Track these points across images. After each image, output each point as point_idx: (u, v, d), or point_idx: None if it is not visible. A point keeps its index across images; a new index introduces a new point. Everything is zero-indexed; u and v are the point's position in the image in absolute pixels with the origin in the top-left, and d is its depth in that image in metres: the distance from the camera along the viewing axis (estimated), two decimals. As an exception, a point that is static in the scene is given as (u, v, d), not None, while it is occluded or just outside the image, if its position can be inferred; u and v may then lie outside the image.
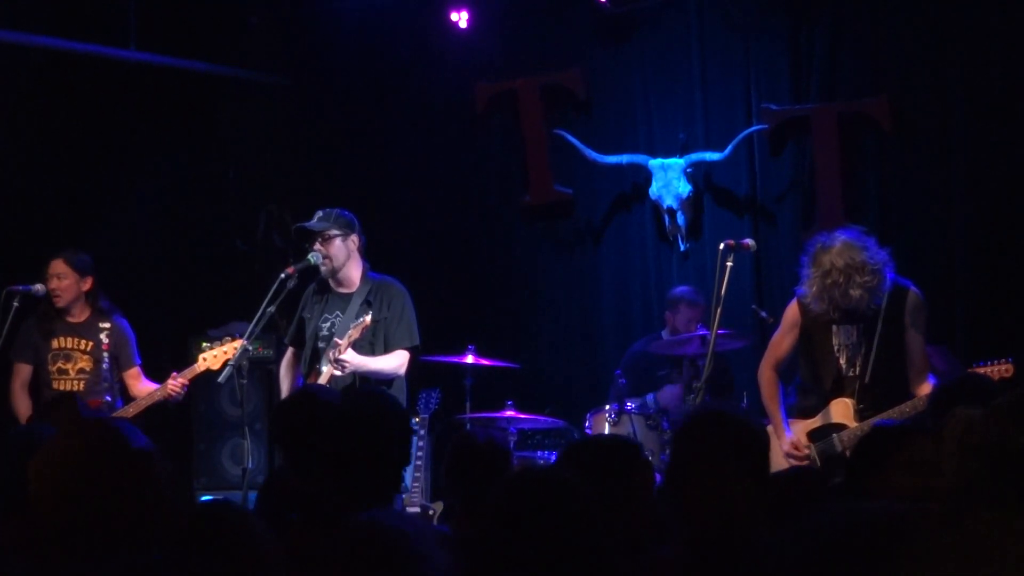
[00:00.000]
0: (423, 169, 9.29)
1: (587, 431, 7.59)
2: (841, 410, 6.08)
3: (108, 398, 7.12)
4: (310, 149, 9.59)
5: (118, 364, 7.25)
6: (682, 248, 8.49)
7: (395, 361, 6.54)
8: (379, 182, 9.30)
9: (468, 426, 7.47)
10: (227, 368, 6.51)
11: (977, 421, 2.81)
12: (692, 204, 8.42)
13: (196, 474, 8.75)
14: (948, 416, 3.55)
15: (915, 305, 6.10)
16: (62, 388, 7.14)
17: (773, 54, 8.27)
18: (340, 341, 6.31)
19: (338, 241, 6.63)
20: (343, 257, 6.64)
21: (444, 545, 2.55)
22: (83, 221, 8.66)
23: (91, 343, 7.21)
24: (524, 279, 9.13)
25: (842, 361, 6.12)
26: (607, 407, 7.50)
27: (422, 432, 7.82)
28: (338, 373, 6.35)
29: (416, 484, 7.59)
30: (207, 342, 7.40)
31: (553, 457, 7.43)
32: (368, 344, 6.50)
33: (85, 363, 7.20)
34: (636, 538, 3.33)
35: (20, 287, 7.07)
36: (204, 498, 8.53)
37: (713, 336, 6.26)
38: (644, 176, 8.52)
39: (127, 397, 7.26)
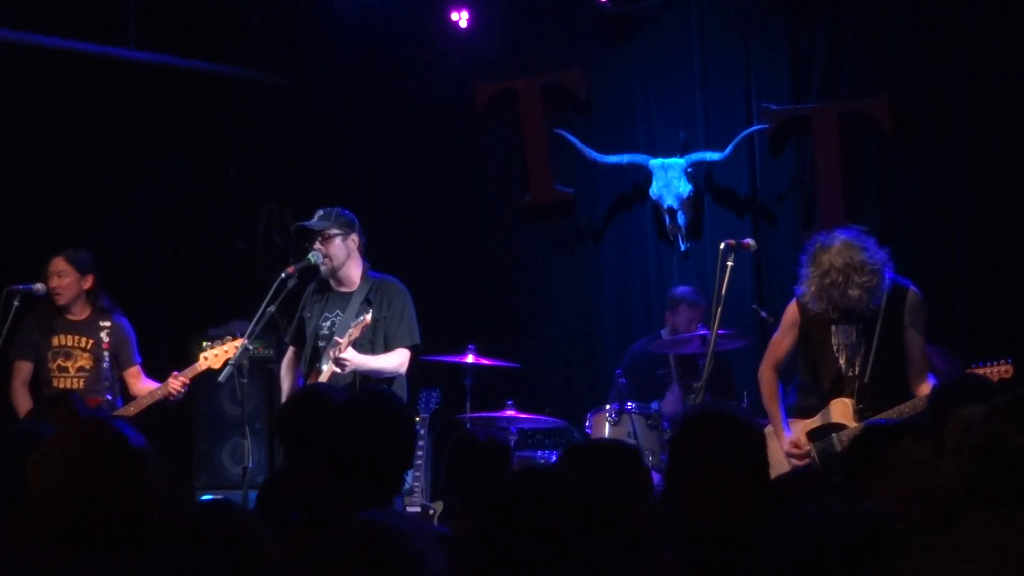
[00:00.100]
0: (423, 169, 9.29)
1: (587, 431, 7.59)
2: (840, 410, 6.08)
3: (108, 397, 7.13)
4: (310, 148, 9.59)
5: (118, 363, 7.25)
6: (682, 248, 8.49)
7: (395, 360, 6.55)
8: (379, 182, 9.31)
9: (468, 425, 7.47)
10: (227, 367, 6.52)
11: (977, 421, 2.82)
12: (692, 204, 8.43)
13: (196, 473, 8.75)
14: (949, 417, 3.56)
15: (914, 304, 6.10)
16: (62, 386, 7.14)
17: (773, 54, 8.28)
18: (341, 340, 6.31)
19: (338, 240, 6.63)
20: (343, 256, 6.64)
21: (442, 545, 2.56)
22: (83, 220, 8.66)
23: (91, 341, 7.21)
24: (524, 279, 9.13)
25: (841, 361, 6.12)
26: (607, 407, 7.50)
27: (422, 432, 7.81)
28: (339, 371, 6.36)
29: (416, 483, 7.59)
30: (207, 341, 7.41)
31: (554, 457, 7.44)
32: (368, 343, 6.50)
33: (85, 361, 7.21)
34: (634, 541, 3.34)
35: (21, 286, 7.07)
36: (204, 497, 8.53)
37: (713, 336, 6.26)
38: (644, 176, 8.52)
39: (127, 396, 7.27)
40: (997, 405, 2.81)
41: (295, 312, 6.86)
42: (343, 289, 6.70)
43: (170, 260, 9.39)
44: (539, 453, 7.71)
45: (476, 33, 8.99)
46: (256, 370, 8.30)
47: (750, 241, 6.61)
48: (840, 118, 7.96)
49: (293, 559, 2.51)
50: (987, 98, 7.61)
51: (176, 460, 8.71)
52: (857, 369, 6.08)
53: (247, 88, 9.55)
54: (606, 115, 8.82)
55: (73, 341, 7.23)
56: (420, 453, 7.70)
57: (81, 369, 7.21)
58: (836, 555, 2.37)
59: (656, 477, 7.22)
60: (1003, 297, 7.52)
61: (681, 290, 8.09)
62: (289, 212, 8.99)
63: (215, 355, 6.90)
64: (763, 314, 7.61)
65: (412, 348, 6.61)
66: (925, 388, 5.96)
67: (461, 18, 8.94)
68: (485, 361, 7.77)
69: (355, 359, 6.35)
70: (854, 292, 5.91)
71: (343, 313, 6.61)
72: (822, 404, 6.17)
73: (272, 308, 6.48)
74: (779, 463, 5.81)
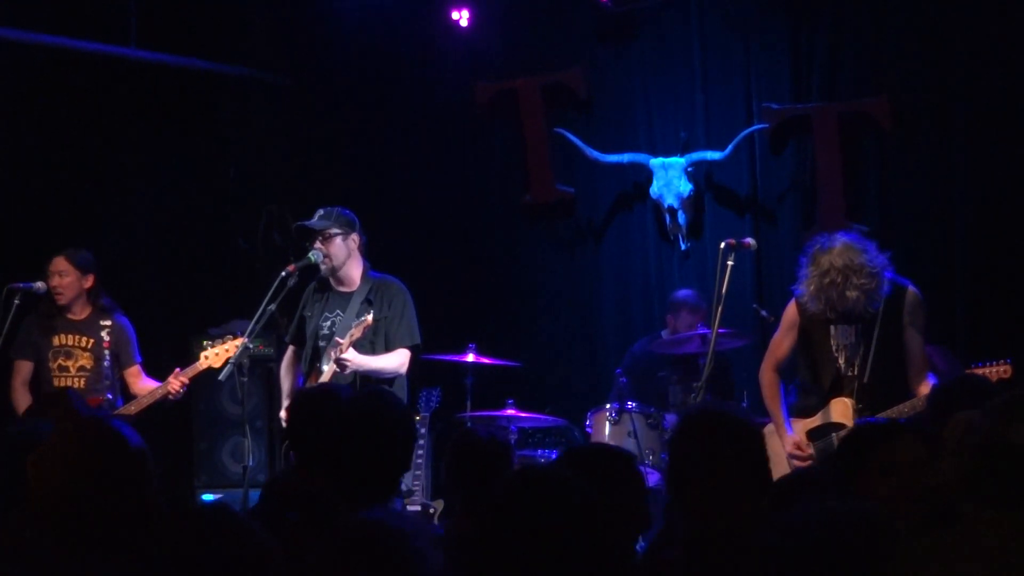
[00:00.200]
0: (424, 168, 9.29)
1: (588, 430, 7.59)
2: (840, 410, 6.09)
3: (109, 396, 7.12)
4: (311, 148, 9.59)
5: (119, 362, 7.25)
6: (683, 247, 8.49)
7: (396, 360, 6.55)
8: (380, 181, 9.31)
9: (468, 424, 7.48)
10: (228, 366, 6.52)
11: (976, 422, 2.82)
12: (693, 203, 8.43)
13: (197, 472, 8.74)
14: (948, 420, 3.56)
15: (913, 304, 6.10)
16: (63, 385, 7.13)
17: (774, 54, 8.28)
18: (342, 340, 6.32)
19: (339, 240, 6.63)
20: (343, 256, 6.65)
21: (439, 545, 2.56)
22: (84, 219, 8.66)
23: (92, 340, 7.21)
24: (525, 278, 9.13)
25: (841, 361, 6.12)
26: (608, 406, 7.50)
27: (423, 431, 7.82)
28: (340, 372, 6.36)
29: (417, 482, 7.59)
30: (208, 340, 7.41)
31: (554, 455, 7.44)
32: (369, 343, 6.50)
33: (86, 360, 7.21)
34: (627, 543, 3.35)
35: (21, 284, 7.07)
36: (205, 496, 8.54)
37: (714, 335, 6.27)
38: (645, 175, 8.52)
39: (128, 395, 7.26)
40: (996, 405, 2.82)
41: (295, 311, 6.86)
42: (343, 289, 6.70)
43: (170, 259, 9.39)
44: (539, 452, 7.71)
45: (477, 33, 8.99)
46: (256, 369, 8.30)
47: (750, 240, 6.62)
48: (840, 118, 7.96)
49: (293, 559, 2.51)
50: (987, 98, 7.61)
51: (176, 459, 8.71)
52: (856, 369, 6.09)
53: (248, 87, 9.55)
54: (607, 114, 8.82)
55: (74, 340, 7.23)
56: (420, 452, 7.71)
57: (82, 368, 7.21)
58: (833, 554, 2.37)
59: (656, 476, 7.27)
60: (1003, 297, 7.52)
61: (683, 294, 8.09)
62: (289, 211, 8.99)
63: (215, 354, 6.91)
64: (763, 313, 7.61)
65: (412, 348, 6.61)
66: (925, 388, 5.96)
67: (461, 17, 8.94)
68: (486, 360, 7.77)
69: (356, 359, 6.35)
70: (852, 294, 5.91)
71: (343, 313, 6.61)
72: (822, 404, 6.17)
73: (272, 307, 6.48)
74: (780, 463, 5.81)
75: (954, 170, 7.70)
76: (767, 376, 6.33)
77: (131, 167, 9.14)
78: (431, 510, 7.30)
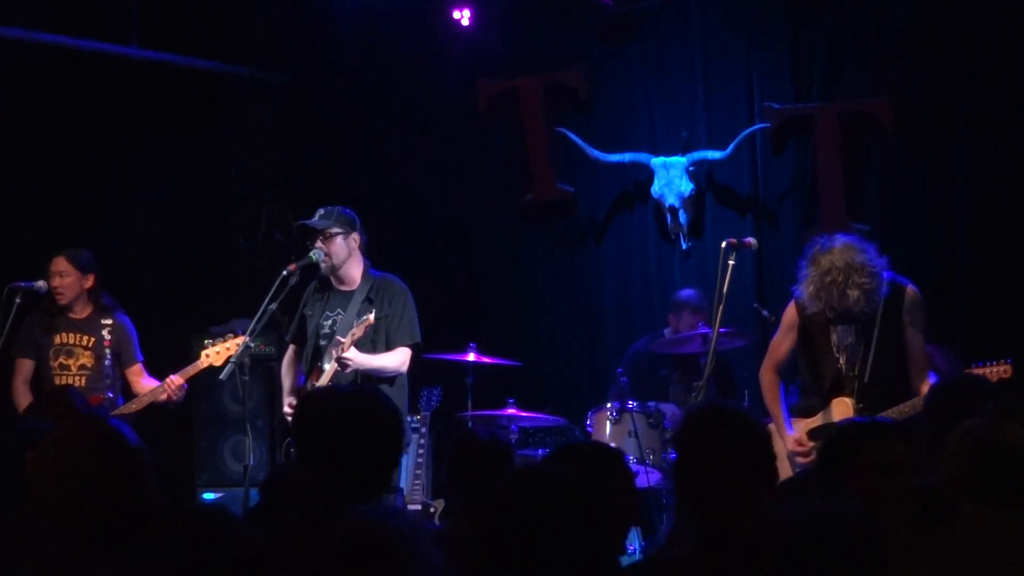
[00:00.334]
0: (425, 167, 9.29)
1: (588, 429, 7.59)
2: (841, 409, 6.08)
3: (110, 394, 7.13)
4: (312, 147, 9.59)
5: (120, 361, 7.25)
6: (684, 247, 8.49)
7: (397, 359, 6.55)
8: (381, 180, 9.31)
9: (469, 424, 7.48)
10: (229, 365, 6.52)
11: (974, 424, 2.83)
12: (694, 202, 8.43)
13: (198, 471, 8.75)
14: (955, 428, 3.55)
15: (913, 303, 6.10)
16: (64, 384, 7.13)
17: (775, 53, 8.28)
18: (343, 339, 6.32)
19: (339, 239, 6.63)
20: (344, 255, 6.65)
21: (438, 543, 2.57)
22: (85, 219, 8.66)
23: (93, 339, 7.21)
24: (526, 277, 9.13)
25: (841, 361, 6.12)
26: (608, 405, 7.50)
27: (423, 430, 7.83)
28: (341, 371, 6.36)
29: (417, 481, 7.60)
30: (209, 339, 7.40)
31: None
32: (369, 342, 6.51)
33: (87, 359, 7.21)
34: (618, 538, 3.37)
35: (22, 283, 7.07)
36: (206, 495, 8.55)
37: (715, 335, 6.26)
38: (646, 174, 8.52)
39: (129, 394, 7.27)
40: (993, 407, 2.83)
41: (296, 310, 6.87)
42: (344, 288, 6.71)
43: (171, 258, 9.39)
44: (540, 451, 7.71)
45: (478, 32, 8.99)
46: (257, 368, 8.30)
47: (751, 240, 6.62)
48: (841, 117, 7.96)
49: (292, 557, 2.52)
50: (988, 98, 7.62)
51: (178, 458, 8.72)
52: (857, 369, 6.08)
53: (249, 87, 9.56)
54: (608, 114, 8.82)
55: (75, 339, 7.23)
56: (421, 451, 7.71)
57: (83, 367, 7.21)
58: (818, 551, 2.37)
59: (657, 475, 7.28)
60: (1003, 297, 7.52)
61: (685, 293, 8.08)
62: (290, 210, 9.00)
63: (216, 352, 6.91)
64: (764, 313, 7.62)
65: (413, 347, 6.62)
66: (926, 387, 5.93)
67: (463, 16, 8.94)
68: (486, 359, 7.77)
69: (357, 358, 6.36)
70: (853, 293, 5.91)
71: (344, 312, 6.62)
72: (823, 404, 6.17)
73: (273, 306, 6.48)
74: (782, 463, 5.81)
75: (955, 170, 7.70)
76: (767, 377, 6.33)
77: (132, 166, 9.14)
78: (432, 509, 7.31)
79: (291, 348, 6.90)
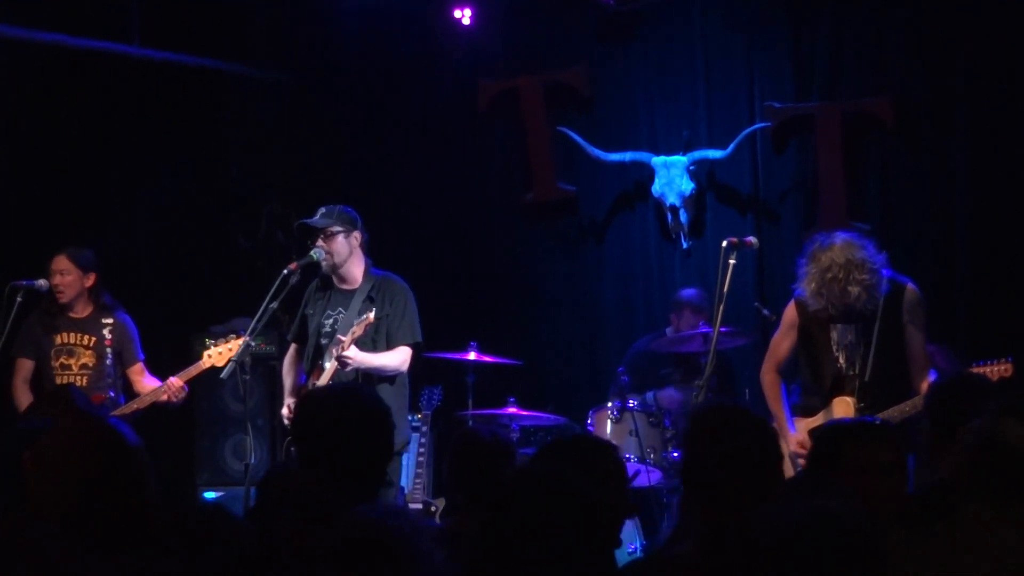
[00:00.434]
0: (425, 166, 9.29)
1: (589, 428, 7.60)
2: (842, 409, 6.09)
3: (112, 394, 7.13)
4: (312, 146, 9.59)
5: (121, 360, 7.25)
6: (684, 246, 8.49)
7: (398, 358, 6.55)
8: (381, 179, 9.31)
9: (470, 423, 7.48)
10: (230, 364, 6.52)
11: (974, 423, 2.83)
12: (695, 202, 8.43)
13: (199, 470, 8.75)
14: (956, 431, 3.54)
15: (913, 301, 6.10)
16: (65, 383, 7.13)
17: (775, 53, 8.28)
18: (344, 338, 6.32)
19: (341, 238, 6.63)
20: (345, 254, 6.65)
21: (440, 541, 2.57)
22: (86, 218, 8.66)
23: (94, 338, 7.21)
24: (527, 276, 9.13)
25: (842, 360, 6.12)
26: (609, 404, 7.51)
27: (424, 429, 7.83)
28: (342, 369, 6.36)
29: (418, 480, 7.60)
30: (210, 338, 7.40)
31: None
32: (370, 341, 6.50)
33: (88, 358, 7.21)
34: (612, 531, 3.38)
35: (23, 282, 7.07)
36: (207, 494, 8.55)
37: (716, 334, 6.26)
38: (647, 174, 8.52)
39: (130, 393, 7.27)
40: (997, 404, 2.83)
41: (297, 309, 6.86)
42: (345, 287, 6.71)
43: (172, 257, 9.39)
44: (541, 451, 7.70)
45: (479, 31, 8.99)
46: (258, 367, 8.30)
47: (752, 239, 6.62)
48: (843, 117, 7.96)
49: (292, 557, 2.52)
50: (989, 98, 7.62)
51: (178, 457, 8.72)
52: (857, 368, 6.09)
53: (249, 86, 9.56)
54: (608, 113, 8.82)
55: (76, 339, 7.23)
56: (422, 450, 7.72)
57: (84, 367, 7.21)
58: (805, 549, 2.37)
59: (657, 474, 7.28)
60: (1003, 296, 7.53)
61: (687, 293, 8.08)
62: (291, 209, 9.00)
63: (219, 353, 6.91)
64: (765, 312, 7.62)
65: (414, 346, 6.62)
66: (926, 386, 5.93)
67: (464, 16, 8.94)
68: (487, 358, 7.78)
69: (358, 357, 6.36)
70: (854, 289, 5.91)
71: (345, 311, 6.61)
72: (824, 403, 6.18)
73: (274, 305, 6.48)
74: (784, 463, 5.82)
75: (955, 169, 7.71)
76: (768, 377, 6.34)
77: (132, 165, 9.14)
78: (432, 508, 7.31)
79: (292, 347, 6.90)
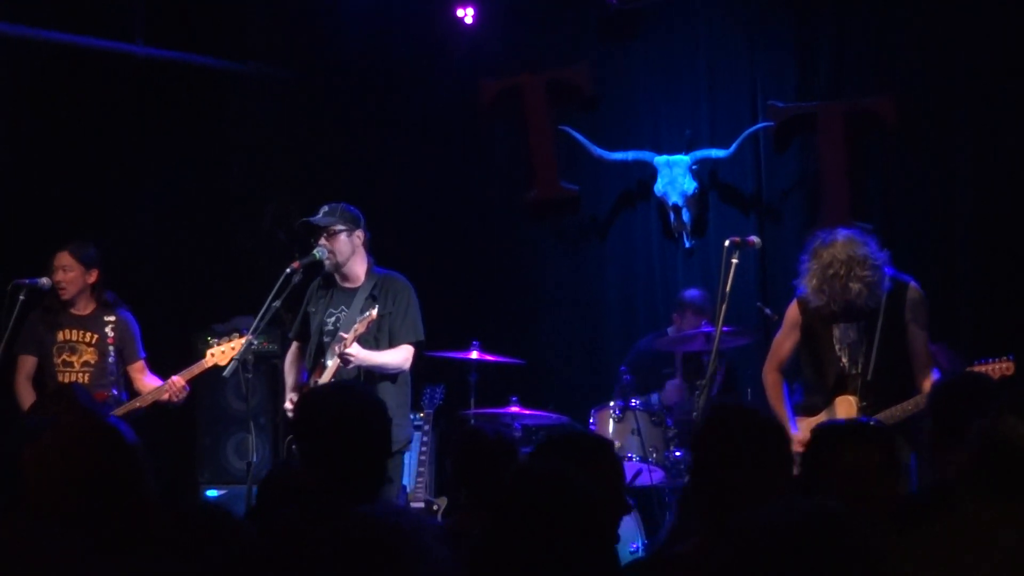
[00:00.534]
0: (428, 165, 9.29)
1: (591, 427, 7.60)
2: (845, 408, 6.08)
3: (114, 391, 7.13)
4: (315, 144, 9.59)
5: (123, 357, 7.25)
6: (687, 245, 8.50)
7: (400, 356, 6.55)
8: (384, 177, 9.31)
9: (472, 422, 7.48)
10: (232, 362, 6.52)
11: (977, 423, 2.83)
12: (697, 201, 8.43)
13: (200, 468, 8.76)
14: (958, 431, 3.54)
15: (915, 300, 6.09)
16: (67, 381, 7.13)
17: (778, 52, 8.29)
18: (346, 336, 6.32)
19: (343, 236, 6.63)
20: (348, 252, 6.65)
21: (443, 540, 2.57)
22: (88, 215, 8.65)
23: (96, 336, 7.21)
24: (529, 275, 9.13)
25: (844, 359, 6.12)
26: (611, 403, 7.51)
27: (426, 427, 7.83)
28: (344, 367, 6.37)
29: (420, 479, 7.60)
30: (212, 337, 7.40)
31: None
32: (372, 339, 6.50)
33: (90, 356, 7.21)
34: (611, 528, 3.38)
35: (26, 280, 7.07)
36: (209, 492, 8.56)
37: (718, 333, 6.26)
38: (649, 173, 8.53)
39: (132, 391, 7.27)
40: (999, 403, 2.83)
41: (300, 307, 6.86)
42: (348, 285, 6.71)
43: (174, 255, 9.39)
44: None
45: (481, 29, 9.00)
46: (261, 365, 8.28)
47: (755, 238, 6.61)
48: (845, 116, 7.97)
49: (292, 556, 2.52)
50: (991, 97, 7.62)
51: (180, 455, 8.72)
52: (860, 367, 6.08)
53: (252, 83, 9.56)
54: (611, 112, 8.82)
55: (78, 336, 7.23)
56: (424, 449, 7.72)
57: (86, 364, 7.21)
58: (795, 550, 2.36)
59: (660, 473, 7.28)
60: (1005, 295, 7.53)
61: (690, 294, 8.08)
62: (293, 208, 9.00)
63: (221, 352, 6.90)
64: (767, 311, 7.61)
65: (416, 344, 6.62)
66: (929, 384, 5.94)
67: (466, 14, 8.95)
68: (489, 357, 7.77)
69: (360, 355, 6.36)
70: (855, 286, 5.91)
71: (348, 309, 6.61)
72: (826, 402, 6.17)
73: (277, 303, 6.48)
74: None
75: (958, 169, 7.71)
76: (770, 376, 6.33)
77: (135, 164, 9.14)
78: (434, 507, 7.31)
79: (294, 345, 6.90)
